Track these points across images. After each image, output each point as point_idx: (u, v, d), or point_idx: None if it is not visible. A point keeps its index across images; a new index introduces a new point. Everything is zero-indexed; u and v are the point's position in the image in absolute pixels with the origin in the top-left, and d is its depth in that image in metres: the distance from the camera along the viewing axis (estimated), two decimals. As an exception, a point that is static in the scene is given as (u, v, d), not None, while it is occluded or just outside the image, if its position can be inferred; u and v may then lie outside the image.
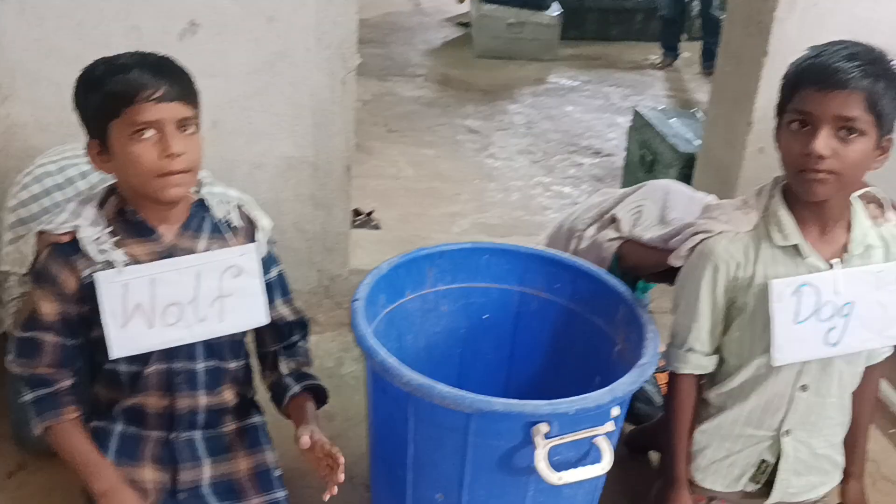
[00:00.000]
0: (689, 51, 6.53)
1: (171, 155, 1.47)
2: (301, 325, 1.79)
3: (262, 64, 2.44)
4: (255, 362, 1.82)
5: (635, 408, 2.33)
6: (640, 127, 3.73)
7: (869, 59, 1.45)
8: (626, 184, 3.88)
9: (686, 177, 3.24)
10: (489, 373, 2.00)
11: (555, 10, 6.40)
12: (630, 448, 2.27)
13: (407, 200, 3.85)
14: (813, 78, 1.45)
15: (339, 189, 2.65)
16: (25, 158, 2.23)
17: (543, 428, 1.42)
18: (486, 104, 5.31)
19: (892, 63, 1.48)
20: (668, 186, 2.05)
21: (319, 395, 1.76)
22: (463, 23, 7.09)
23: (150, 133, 1.46)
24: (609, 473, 2.18)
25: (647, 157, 3.61)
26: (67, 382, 1.60)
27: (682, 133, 3.50)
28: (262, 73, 2.45)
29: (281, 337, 1.76)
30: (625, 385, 1.48)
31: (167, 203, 1.55)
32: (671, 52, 6.38)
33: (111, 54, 1.51)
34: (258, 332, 1.74)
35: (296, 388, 1.71)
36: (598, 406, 1.45)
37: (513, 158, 4.47)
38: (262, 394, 1.88)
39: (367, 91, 5.30)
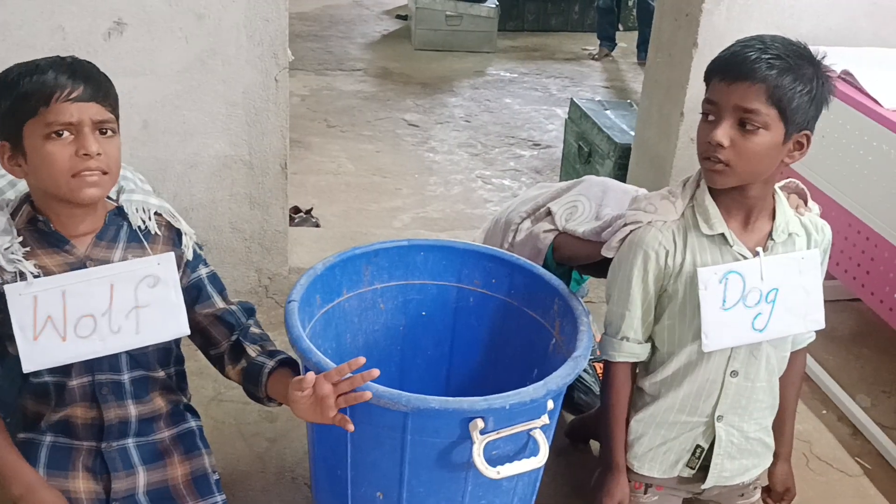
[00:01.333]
0: (625, 41, 6.61)
1: (86, 154, 1.44)
2: (249, 311, 1.73)
3: (192, 62, 2.41)
4: (189, 365, 1.79)
5: (575, 397, 2.36)
6: (577, 118, 3.76)
7: (780, 52, 1.46)
8: (564, 175, 3.92)
9: (622, 167, 3.29)
10: (430, 369, 2.01)
11: (493, 2, 6.42)
12: (571, 438, 2.30)
13: (347, 196, 3.83)
14: (720, 69, 1.49)
15: (275, 187, 2.63)
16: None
17: (480, 423, 1.43)
18: (426, 97, 5.31)
19: (812, 59, 1.49)
20: (606, 184, 2.08)
21: (295, 370, 1.67)
22: (401, 15, 7.07)
23: (66, 134, 1.44)
24: (551, 463, 2.21)
25: (584, 148, 3.64)
26: None
27: (617, 124, 3.54)
28: (193, 71, 2.42)
29: (234, 328, 1.70)
30: (558, 378, 1.50)
31: (81, 205, 1.51)
32: (608, 42, 6.45)
33: (35, 56, 1.48)
34: (208, 333, 1.69)
35: (272, 363, 1.62)
36: (532, 400, 1.46)
37: (453, 152, 4.48)
38: (198, 398, 1.86)
39: (306, 86, 5.26)
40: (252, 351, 1.66)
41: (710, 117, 1.50)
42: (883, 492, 2.25)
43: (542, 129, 4.89)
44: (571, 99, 3.91)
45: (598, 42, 6.48)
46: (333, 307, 1.81)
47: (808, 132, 1.53)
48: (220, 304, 1.69)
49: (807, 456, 2.34)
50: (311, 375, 1.43)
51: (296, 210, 3.43)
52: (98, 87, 1.47)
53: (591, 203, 1.98)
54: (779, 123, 1.47)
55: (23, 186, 1.83)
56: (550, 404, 1.51)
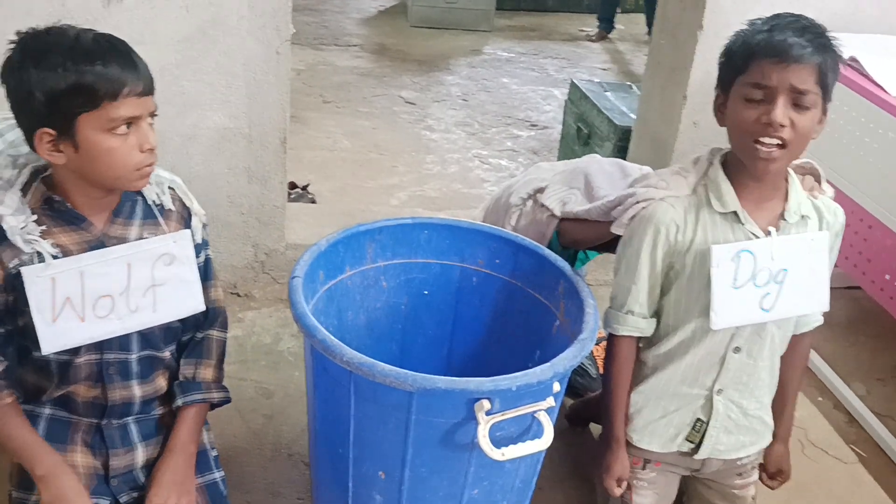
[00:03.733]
0: (623, 23, 6.56)
1: (150, 149, 1.44)
2: (211, 318, 1.72)
3: (192, 32, 2.37)
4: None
5: (572, 380, 2.36)
6: (577, 100, 3.73)
7: (817, 32, 1.50)
8: (562, 157, 3.89)
9: (622, 150, 3.27)
10: (431, 348, 1.99)
11: (491, -20, 6.36)
12: (570, 421, 2.30)
13: (343, 172, 3.79)
14: (770, 51, 1.48)
15: (274, 162, 2.60)
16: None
17: (486, 404, 1.42)
18: (423, 75, 5.26)
19: (832, 36, 1.52)
20: (586, 169, 2.06)
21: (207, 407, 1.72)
22: (398, -9, 7.00)
23: (124, 127, 1.41)
24: (550, 446, 2.22)
25: (584, 130, 3.62)
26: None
27: (617, 106, 3.51)
28: (194, 41, 2.38)
29: (185, 330, 1.70)
30: (566, 360, 1.49)
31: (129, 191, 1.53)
32: (606, 23, 6.40)
33: (33, 23, 1.42)
34: None
35: (178, 402, 1.65)
36: (539, 382, 1.45)
37: (450, 130, 4.44)
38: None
39: (302, 61, 5.20)
40: (180, 374, 1.68)
41: (759, 99, 1.49)
42: (877, 479, 2.26)
43: (539, 110, 4.86)
44: (571, 80, 3.88)
45: (597, 23, 6.43)
46: (336, 284, 1.79)
47: (827, 105, 1.54)
48: None
49: (802, 442, 2.35)
50: None
51: (292, 186, 3.40)
52: (150, 78, 1.46)
53: (580, 192, 1.97)
54: (820, 100, 1.50)
55: (11, 137, 1.78)
56: (556, 386, 1.50)
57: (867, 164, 2.36)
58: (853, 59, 2.47)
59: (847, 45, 2.51)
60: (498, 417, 1.44)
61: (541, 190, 2.08)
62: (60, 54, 1.37)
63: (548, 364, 1.47)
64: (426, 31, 6.14)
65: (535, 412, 1.50)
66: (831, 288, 1.70)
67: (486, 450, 1.43)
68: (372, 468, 1.57)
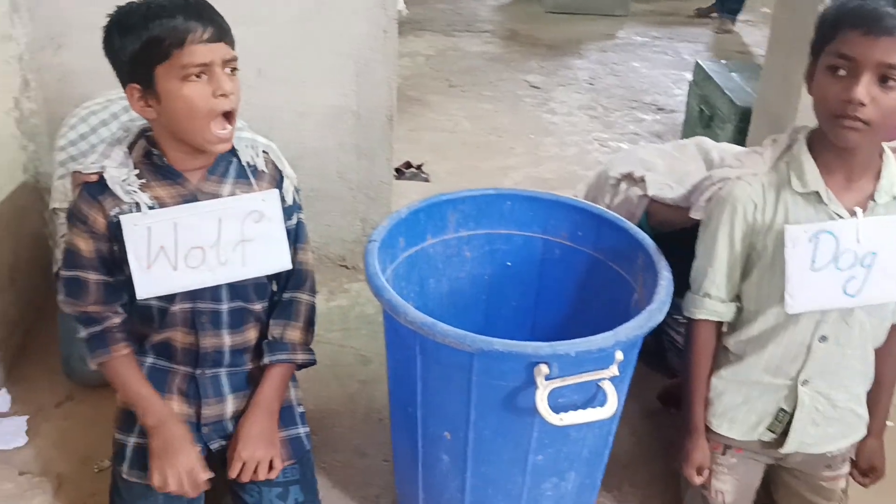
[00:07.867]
0: (769, 6, 6.29)
1: (224, 94, 1.51)
2: (299, 280, 1.79)
3: (305, 12, 2.47)
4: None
5: (668, 360, 2.32)
6: (701, 81, 3.63)
7: None
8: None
9: (742, 131, 3.16)
10: (516, 319, 2.01)
11: (628, -36, 6.24)
12: (663, 401, 2.26)
13: (461, 153, 3.84)
14: (858, 21, 1.39)
15: (381, 139, 2.68)
16: (80, 104, 2.32)
17: (544, 369, 1.42)
18: (551, 60, 5.24)
19: None
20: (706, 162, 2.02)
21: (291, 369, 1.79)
22: (535, -23, 6.97)
23: (196, 75, 1.49)
24: (639, 423, 2.18)
25: (706, 111, 3.51)
26: (117, 320, 1.67)
27: (741, 86, 3.38)
28: (306, 21, 2.48)
29: (279, 289, 1.78)
30: (629, 329, 1.47)
31: (207, 152, 1.59)
32: (729, 15, 6.02)
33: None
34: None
35: (265, 360, 1.74)
36: (600, 349, 1.44)
37: (572, 114, 4.41)
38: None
39: (432, 46, 5.29)
40: (269, 332, 1.76)
41: (842, 72, 1.41)
42: None
43: (668, 94, 4.74)
44: (696, 61, 3.78)
45: (717, 14, 6.10)
46: (417, 251, 1.83)
47: None
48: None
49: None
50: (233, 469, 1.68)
51: (407, 165, 3.49)
52: (222, 27, 1.52)
53: (682, 189, 1.94)
54: None
55: (105, 133, 1.94)
56: (619, 355, 1.49)
57: None
58: None
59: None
60: (557, 383, 1.45)
61: (634, 173, 2.07)
62: (137, 17, 1.49)
63: (610, 332, 1.46)
64: (560, 16, 6.12)
65: (598, 380, 1.49)
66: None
67: (543, 414, 1.44)
68: (438, 428, 1.60)
